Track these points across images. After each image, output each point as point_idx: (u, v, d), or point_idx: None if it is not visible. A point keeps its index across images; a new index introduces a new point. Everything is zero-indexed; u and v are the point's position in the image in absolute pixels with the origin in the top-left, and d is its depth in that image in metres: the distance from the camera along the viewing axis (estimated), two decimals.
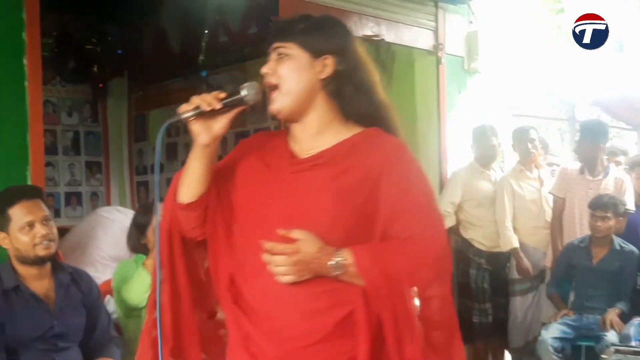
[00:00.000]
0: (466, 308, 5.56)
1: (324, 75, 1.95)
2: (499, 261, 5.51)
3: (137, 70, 6.95)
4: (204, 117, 1.85)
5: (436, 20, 5.79)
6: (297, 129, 1.99)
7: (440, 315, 1.97)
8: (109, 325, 3.34)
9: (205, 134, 1.87)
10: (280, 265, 1.81)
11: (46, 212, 3.08)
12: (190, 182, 1.94)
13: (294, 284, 1.83)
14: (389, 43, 5.65)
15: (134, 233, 3.71)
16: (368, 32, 5.21)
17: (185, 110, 1.84)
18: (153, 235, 3.59)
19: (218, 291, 2.01)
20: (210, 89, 6.59)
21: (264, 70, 1.94)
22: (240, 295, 1.94)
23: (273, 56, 1.95)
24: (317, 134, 1.97)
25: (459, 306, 5.66)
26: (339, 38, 2.01)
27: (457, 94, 6.02)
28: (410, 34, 5.60)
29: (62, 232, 4.28)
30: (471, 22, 6.10)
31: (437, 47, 5.79)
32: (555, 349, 4.72)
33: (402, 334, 1.86)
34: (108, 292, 3.78)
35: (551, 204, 5.51)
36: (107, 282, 3.70)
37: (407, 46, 5.67)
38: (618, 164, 5.94)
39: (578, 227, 5.32)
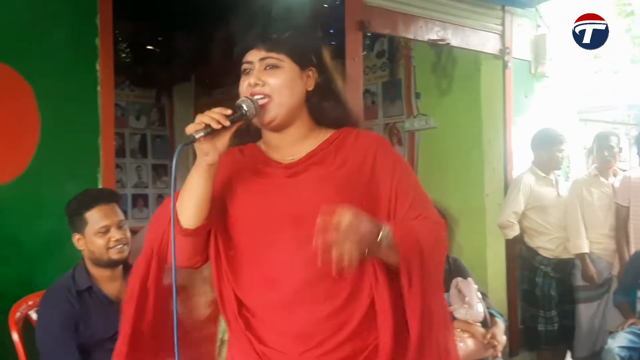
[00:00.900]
0: (532, 316, 5.51)
1: (310, 87, 1.95)
2: (565, 268, 5.44)
3: (204, 75, 7.06)
4: (210, 136, 1.78)
5: (503, 24, 5.74)
6: (276, 139, 1.97)
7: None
8: None
9: (213, 152, 1.79)
10: (345, 244, 1.63)
11: (121, 216, 3.12)
12: (197, 205, 1.83)
13: (312, 285, 1.81)
14: (450, 48, 5.65)
15: None
16: (434, 37, 5.19)
17: (197, 129, 1.75)
18: None
19: (228, 318, 1.94)
20: None
21: (253, 81, 1.88)
22: (253, 316, 1.89)
23: (258, 66, 1.90)
24: (296, 141, 1.96)
25: (524, 313, 5.62)
26: (319, 49, 2.02)
27: (524, 98, 5.96)
28: (477, 38, 5.57)
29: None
30: (539, 26, 6.04)
31: (504, 51, 5.74)
32: (622, 358, 4.64)
33: (432, 315, 1.86)
34: None
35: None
36: None
37: (473, 50, 5.64)
38: None
39: None
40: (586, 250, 5.33)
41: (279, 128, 1.93)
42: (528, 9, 5.91)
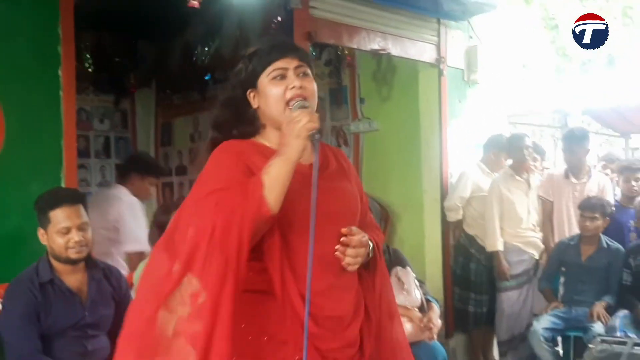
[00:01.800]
0: (464, 298, 5.59)
1: None
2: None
3: (164, 81, 7.01)
4: None
5: (438, 36, 5.78)
6: None
7: None
8: None
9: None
10: (354, 257, 1.95)
11: (84, 218, 3.06)
12: (283, 192, 1.82)
13: (341, 276, 1.97)
14: (391, 57, 5.69)
15: (156, 231, 3.70)
16: (375, 46, 5.22)
17: (314, 131, 1.87)
18: None
19: (284, 296, 1.90)
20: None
21: (297, 83, 1.94)
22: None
23: (292, 72, 1.96)
24: None
25: (457, 296, 5.69)
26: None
27: (458, 103, 6.02)
28: (415, 48, 5.61)
29: None
30: (471, 37, 6.10)
31: (440, 60, 5.79)
32: (546, 339, 4.73)
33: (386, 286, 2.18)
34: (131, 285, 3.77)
35: (537, 208, 5.49)
36: (130, 275, 3.70)
37: (411, 59, 5.68)
38: (613, 170, 5.95)
39: (566, 227, 5.36)
40: (500, 248, 5.32)
41: None
42: (461, 22, 5.96)
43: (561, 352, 5.00)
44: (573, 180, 5.42)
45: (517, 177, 5.46)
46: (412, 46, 5.57)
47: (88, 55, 6.24)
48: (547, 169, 6.29)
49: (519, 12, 7.76)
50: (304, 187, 1.87)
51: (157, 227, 3.69)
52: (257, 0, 4.83)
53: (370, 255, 2.04)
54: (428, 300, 4.20)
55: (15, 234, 3.37)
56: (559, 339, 5.01)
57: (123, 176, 4.51)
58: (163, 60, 6.82)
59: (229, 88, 2.08)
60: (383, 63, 6.09)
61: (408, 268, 4.22)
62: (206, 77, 6.51)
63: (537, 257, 5.44)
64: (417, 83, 5.89)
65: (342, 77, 6.42)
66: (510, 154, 5.58)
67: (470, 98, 6.15)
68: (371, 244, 2.03)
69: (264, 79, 1.97)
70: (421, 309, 4.11)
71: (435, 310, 4.16)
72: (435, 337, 4.12)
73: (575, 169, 5.44)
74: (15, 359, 2.87)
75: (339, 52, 6.15)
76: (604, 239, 4.97)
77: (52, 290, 3.01)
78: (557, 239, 5.40)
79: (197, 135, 6.92)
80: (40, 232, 3.04)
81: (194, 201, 1.89)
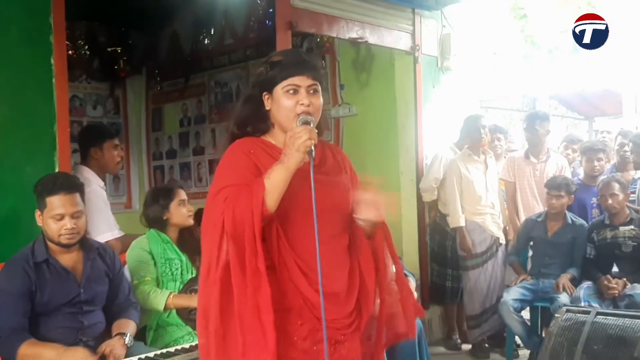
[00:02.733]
0: (440, 274, 5.60)
1: None
2: None
3: (154, 69, 6.94)
4: None
5: (413, 25, 5.78)
6: None
7: None
8: (129, 293, 3.33)
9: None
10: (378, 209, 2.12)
11: (79, 207, 3.02)
12: (280, 195, 1.98)
13: (336, 249, 2.12)
14: (368, 46, 5.67)
15: (157, 208, 3.66)
16: (354, 35, 5.20)
17: (310, 145, 1.99)
18: (176, 209, 3.62)
19: (285, 272, 2.07)
20: (218, 85, 6.63)
21: (306, 102, 2.09)
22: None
23: (305, 90, 2.11)
24: None
25: (434, 272, 5.71)
26: None
27: (432, 88, 6.03)
28: (391, 37, 5.59)
29: None
30: (444, 26, 6.10)
31: (414, 48, 5.78)
32: (515, 309, 4.75)
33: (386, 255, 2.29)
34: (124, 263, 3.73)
35: (495, 187, 5.44)
36: (122, 255, 3.66)
37: (388, 47, 5.67)
38: (575, 150, 5.97)
39: (530, 205, 5.41)
40: (462, 224, 5.27)
41: None
42: (434, 11, 5.95)
43: (529, 321, 5.03)
44: (533, 160, 5.45)
45: (475, 157, 5.36)
46: (388, 35, 5.55)
47: (81, 43, 6.18)
48: (514, 150, 6.29)
49: (489, 2, 7.73)
50: (302, 180, 2.01)
51: (160, 204, 3.64)
52: None
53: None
54: (405, 275, 4.20)
55: (11, 215, 3.34)
56: (528, 309, 5.04)
57: (84, 156, 4.07)
58: (152, 48, 6.77)
59: (250, 85, 2.27)
60: (361, 51, 6.08)
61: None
62: None
63: (496, 235, 5.34)
64: (394, 70, 5.89)
65: (322, 64, 6.39)
66: (467, 134, 5.48)
67: (444, 84, 6.15)
68: None
69: (279, 89, 2.13)
70: None
71: (412, 284, 4.17)
72: None
73: (535, 148, 5.46)
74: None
75: (318, 40, 6.12)
76: (569, 215, 4.99)
77: (48, 269, 2.99)
78: (521, 217, 5.43)
79: (186, 120, 6.88)
80: (37, 214, 3.01)
81: (211, 196, 2.06)
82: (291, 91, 2.11)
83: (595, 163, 5.31)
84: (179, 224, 3.64)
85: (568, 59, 9.11)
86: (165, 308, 3.42)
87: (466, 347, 5.51)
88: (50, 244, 3.02)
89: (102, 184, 4.03)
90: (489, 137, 5.55)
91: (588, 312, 3.59)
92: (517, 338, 5.03)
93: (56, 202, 2.95)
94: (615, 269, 4.75)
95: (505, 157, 5.82)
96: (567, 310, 3.67)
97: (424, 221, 5.85)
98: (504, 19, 9.54)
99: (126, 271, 3.49)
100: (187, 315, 3.46)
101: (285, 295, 2.05)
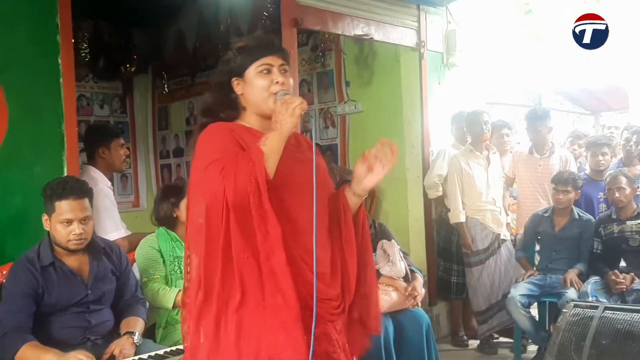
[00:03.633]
0: (446, 269, 5.60)
1: None
2: None
3: (160, 67, 6.95)
4: None
5: (419, 21, 5.77)
6: (266, 123, 2.11)
7: None
8: (137, 290, 3.34)
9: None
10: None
11: (88, 212, 3.01)
12: (277, 161, 1.99)
13: (320, 230, 2.07)
14: (373, 43, 5.66)
15: (168, 206, 3.67)
16: (359, 32, 5.20)
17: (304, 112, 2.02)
18: (186, 207, 3.61)
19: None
20: None
21: (281, 80, 2.12)
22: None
23: (277, 69, 2.13)
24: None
25: (440, 267, 5.70)
26: None
27: (437, 85, 6.01)
28: (396, 33, 5.58)
29: None
30: (449, 22, 6.08)
31: (420, 44, 5.77)
32: (523, 304, 4.74)
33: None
34: (132, 261, 3.75)
35: (498, 183, 5.39)
36: (131, 254, 3.67)
37: (393, 44, 5.66)
38: (581, 146, 5.95)
39: (537, 199, 5.37)
40: (462, 219, 5.26)
41: None
42: (439, 7, 5.94)
43: (537, 316, 5.02)
44: (536, 155, 5.43)
45: (477, 153, 5.32)
46: (393, 31, 5.54)
47: (86, 44, 6.19)
48: (518, 143, 6.28)
49: None
50: (285, 158, 2.02)
51: (170, 202, 3.65)
52: None
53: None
54: (412, 271, 4.20)
55: (18, 215, 3.34)
56: (535, 304, 5.03)
57: (90, 156, 4.07)
58: (158, 47, 6.77)
59: (216, 74, 2.24)
60: (366, 48, 6.07)
61: (393, 241, 4.22)
62: None
63: (497, 231, 5.30)
64: (399, 66, 5.88)
65: (328, 61, 6.40)
66: (469, 130, 5.42)
67: (449, 80, 6.14)
68: None
69: (252, 71, 2.14)
70: (406, 278, 4.11)
71: (419, 280, 4.17)
72: (419, 304, 4.14)
73: (538, 146, 5.44)
74: (2, 332, 2.85)
75: (322, 38, 6.12)
76: (576, 210, 4.98)
77: (54, 271, 2.98)
78: (523, 213, 5.42)
79: (193, 119, 6.90)
80: (44, 218, 3.00)
81: (199, 170, 2.02)
82: (265, 71, 2.12)
83: (600, 157, 5.30)
84: None
85: (574, 54, 9.07)
86: (174, 306, 3.43)
87: (473, 342, 5.50)
88: (56, 247, 3.01)
89: (109, 183, 4.03)
90: (491, 133, 5.49)
91: (596, 307, 3.58)
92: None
93: (65, 207, 2.94)
94: (622, 263, 4.75)
95: (511, 153, 5.80)
96: (575, 306, 3.65)
97: (430, 217, 5.84)
98: (509, 14, 9.51)
99: (135, 269, 3.49)
100: None
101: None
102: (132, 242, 3.81)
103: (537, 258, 5.26)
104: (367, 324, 2.29)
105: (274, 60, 2.14)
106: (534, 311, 5.03)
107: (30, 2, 3.46)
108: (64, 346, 2.87)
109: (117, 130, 4.38)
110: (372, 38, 5.32)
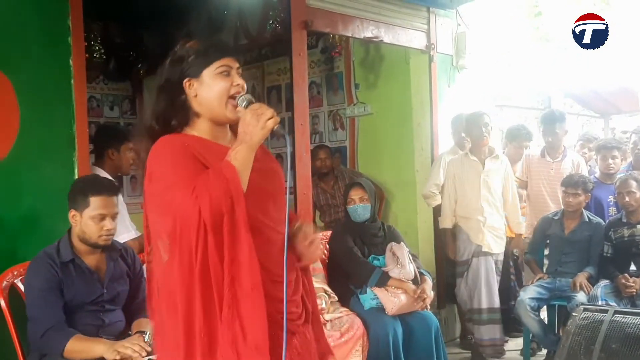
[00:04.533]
0: (453, 273, 5.57)
1: None
2: None
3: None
4: None
5: (428, 24, 5.76)
6: (221, 131, 2.08)
7: None
8: None
9: None
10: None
11: (117, 209, 3.06)
12: (248, 175, 1.92)
13: (277, 240, 2.00)
14: (382, 45, 5.66)
15: None
16: (369, 34, 5.20)
17: (277, 124, 1.94)
18: None
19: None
20: None
21: (240, 82, 2.03)
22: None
23: (235, 72, 2.05)
24: (227, 134, 2.11)
25: (447, 272, 5.67)
26: None
27: (447, 87, 6.00)
28: (406, 36, 5.58)
29: None
30: (459, 25, 6.07)
31: (430, 47, 5.76)
32: (532, 308, 4.72)
33: None
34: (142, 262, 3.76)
35: (494, 191, 5.03)
36: (142, 255, 3.68)
37: (403, 46, 5.66)
38: (591, 149, 5.93)
39: (548, 203, 5.35)
40: (447, 226, 5.13)
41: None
42: (449, 10, 5.93)
43: (546, 320, 5.01)
44: (548, 159, 5.42)
45: (472, 157, 5.04)
46: (403, 34, 5.54)
47: (98, 46, 6.22)
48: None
49: (504, 0, 7.72)
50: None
51: None
52: None
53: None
54: (421, 274, 4.20)
55: (30, 215, 3.36)
56: (545, 308, 5.02)
57: (99, 156, 4.09)
58: (168, 49, 6.78)
59: (165, 73, 2.08)
60: (376, 50, 6.08)
61: (402, 243, 4.22)
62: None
63: (477, 242, 4.98)
64: (409, 69, 5.88)
65: (338, 64, 6.41)
66: (468, 133, 5.19)
67: (459, 82, 6.13)
68: None
69: (210, 72, 2.02)
70: (415, 281, 4.11)
71: (428, 283, 4.17)
72: (428, 307, 4.14)
73: (552, 149, 5.43)
74: (41, 332, 2.86)
75: (332, 40, 6.13)
76: (586, 213, 4.96)
77: (74, 268, 3.01)
78: (534, 216, 5.39)
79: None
80: (72, 214, 3.01)
81: (158, 193, 1.91)
82: (225, 73, 2.02)
83: (610, 161, 5.28)
84: None
85: (583, 56, 9.06)
86: None
87: None
88: (77, 244, 3.04)
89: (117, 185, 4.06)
90: (490, 136, 5.16)
91: (606, 311, 3.56)
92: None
93: (99, 202, 2.98)
94: (632, 267, 4.73)
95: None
96: (585, 309, 3.64)
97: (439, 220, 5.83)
98: (519, 16, 9.51)
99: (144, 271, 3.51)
100: None
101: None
102: (142, 243, 3.81)
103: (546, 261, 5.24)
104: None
105: (232, 63, 2.04)
106: (543, 314, 5.02)
107: (42, 4, 3.47)
108: None
109: (128, 134, 4.39)
110: (381, 40, 5.32)
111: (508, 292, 5.35)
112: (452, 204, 5.11)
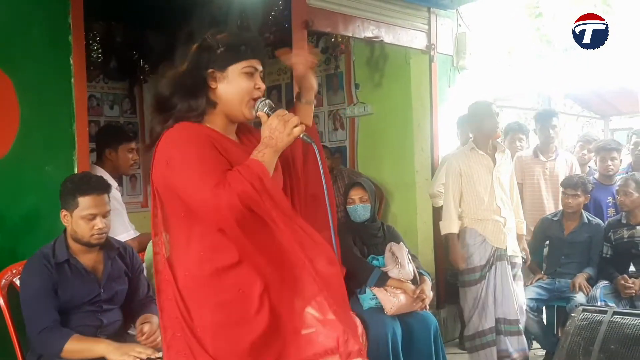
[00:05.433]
0: (453, 273, 5.54)
1: None
2: None
3: (170, 68, 6.95)
4: None
5: (429, 24, 5.76)
6: (232, 127, 2.12)
7: None
8: (149, 290, 3.34)
9: None
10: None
11: (108, 207, 3.05)
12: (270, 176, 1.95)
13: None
14: (383, 45, 5.66)
15: None
16: (369, 34, 5.20)
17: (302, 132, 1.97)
18: None
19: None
20: None
21: (263, 86, 2.07)
22: None
23: (259, 75, 2.07)
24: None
25: (447, 272, 5.67)
26: None
27: (447, 88, 6.00)
28: (407, 36, 5.58)
29: None
30: (459, 25, 6.08)
31: (430, 47, 5.77)
32: (531, 309, 4.72)
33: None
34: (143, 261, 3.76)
35: (506, 188, 4.52)
36: (141, 254, 3.68)
37: (403, 46, 5.66)
38: (591, 150, 5.93)
39: (544, 202, 5.34)
40: (453, 230, 4.47)
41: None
42: (450, 10, 5.93)
43: (545, 321, 5.01)
44: (542, 158, 5.39)
45: (479, 152, 4.49)
46: (404, 34, 5.54)
47: (98, 45, 6.21)
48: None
49: (505, 0, 7.71)
50: (241, 158, 1.96)
51: None
52: None
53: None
54: (420, 274, 4.20)
55: (31, 214, 3.37)
56: (544, 308, 5.01)
57: (99, 156, 4.07)
58: (169, 48, 6.77)
59: (191, 57, 2.07)
60: (376, 50, 6.08)
61: (402, 244, 4.22)
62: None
63: (497, 245, 4.40)
64: (409, 69, 5.88)
65: (338, 63, 6.41)
66: (476, 124, 4.56)
67: (459, 83, 6.13)
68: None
69: (237, 69, 2.03)
70: (414, 281, 4.11)
71: (427, 283, 4.16)
72: (427, 307, 4.13)
73: (547, 147, 5.41)
74: (36, 333, 2.86)
75: (332, 40, 6.12)
76: (585, 214, 4.97)
77: (69, 269, 3.00)
78: (530, 217, 5.28)
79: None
80: (63, 214, 3.01)
81: (188, 178, 1.90)
82: (250, 73, 2.04)
83: (609, 162, 5.28)
84: None
85: (583, 57, 9.05)
86: None
87: None
88: (72, 244, 3.03)
89: (116, 184, 4.05)
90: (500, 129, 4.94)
91: (605, 312, 3.56)
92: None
93: (88, 202, 2.96)
94: (632, 268, 4.73)
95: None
96: (584, 310, 3.64)
97: (438, 220, 5.82)
98: (519, 17, 9.51)
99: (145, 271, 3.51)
100: None
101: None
102: (142, 242, 3.82)
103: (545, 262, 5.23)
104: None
105: (258, 65, 2.06)
106: (542, 315, 5.02)
107: (43, 3, 3.48)
108: None
109: (128, 134, 4.37)
110: (382, 40, 5.33)
111: None
112: (457, 205, 4.50)
